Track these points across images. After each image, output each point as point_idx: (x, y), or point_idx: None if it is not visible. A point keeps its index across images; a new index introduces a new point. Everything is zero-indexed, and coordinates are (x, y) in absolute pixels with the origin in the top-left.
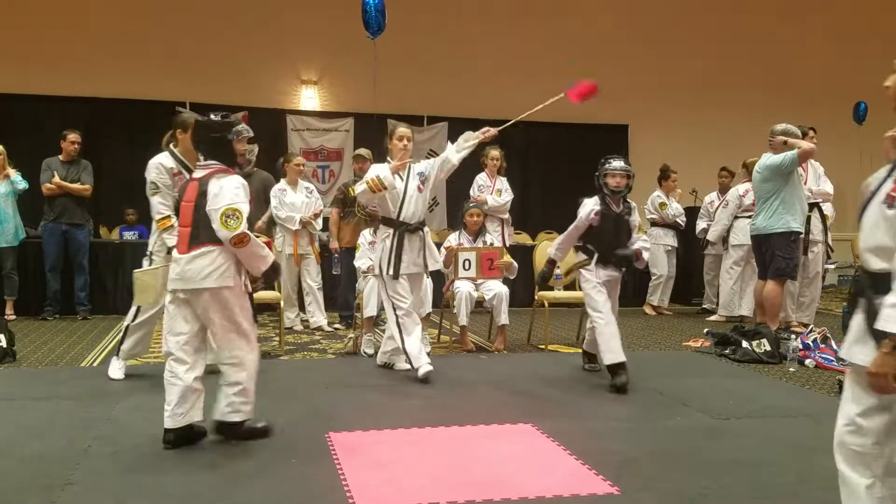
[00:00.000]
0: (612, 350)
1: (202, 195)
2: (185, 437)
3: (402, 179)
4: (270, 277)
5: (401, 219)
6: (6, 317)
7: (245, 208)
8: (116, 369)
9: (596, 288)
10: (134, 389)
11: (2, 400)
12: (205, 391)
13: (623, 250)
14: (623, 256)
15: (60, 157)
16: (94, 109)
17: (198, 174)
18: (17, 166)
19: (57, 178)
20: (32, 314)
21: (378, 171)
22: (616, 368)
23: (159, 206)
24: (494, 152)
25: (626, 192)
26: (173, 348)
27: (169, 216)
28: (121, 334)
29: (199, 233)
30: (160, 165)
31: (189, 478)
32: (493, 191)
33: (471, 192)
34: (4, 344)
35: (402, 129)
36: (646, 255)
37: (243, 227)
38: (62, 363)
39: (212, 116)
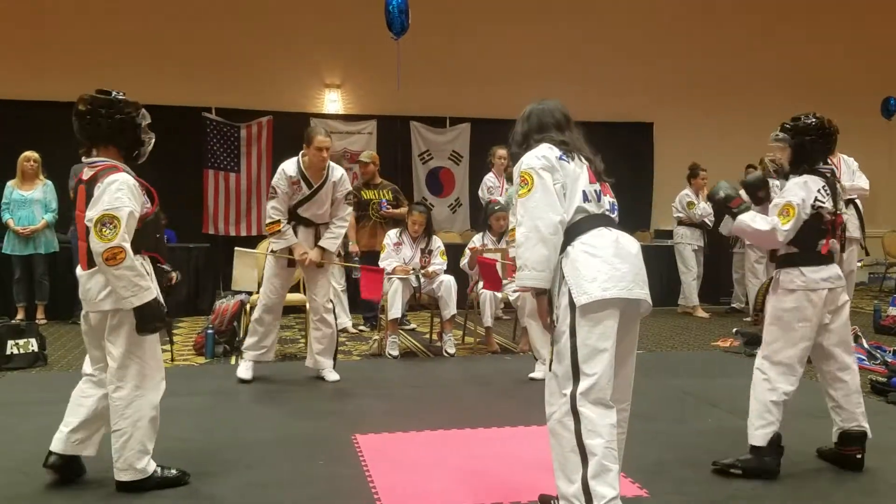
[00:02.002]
0: None
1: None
2: (69, 467)
3: None
4: (149, 320)
5: None
6: (37, 321)
7: (124, 214)
8: (243, 369)
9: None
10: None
11: (34, 404)
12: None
13: None
14: None
15: None
16: None
17: (85, 174)
18: (46, 173)
19: None
20: (63, 318)
21: None
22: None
23: (270, 210)
24: (501, 151)
25: None
26: (90, 370)
27: (278, 220)
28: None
29: None
30: (282, 170)
31: (218, 479)
32: (503, 191)
33: (479, 194)
34: (36, 348)
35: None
36: None
37: (119, 239)
38: None
39: (114, 94)
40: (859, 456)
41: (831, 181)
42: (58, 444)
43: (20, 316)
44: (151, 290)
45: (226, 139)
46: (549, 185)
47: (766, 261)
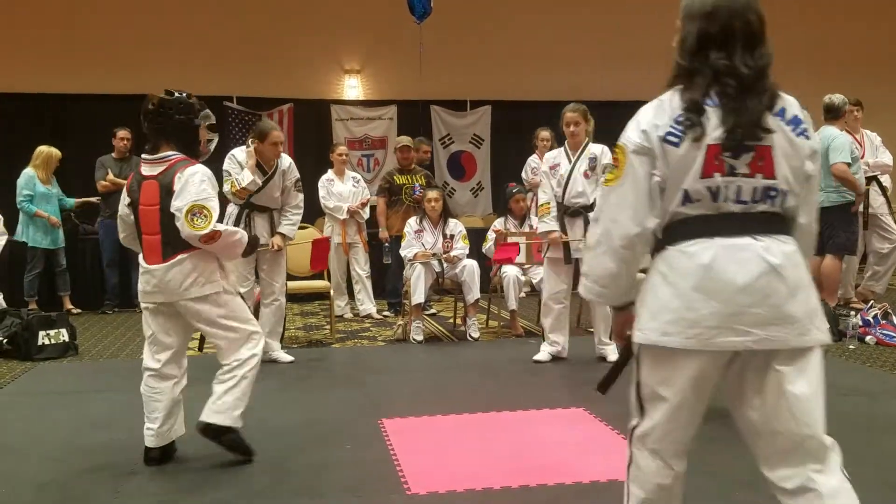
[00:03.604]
0: None
1: (168, 194)
2: (168, 454)
3: (569, 160)
4: (247, 252)
5: (563, 202)
6: (69, 310)
7: (214, 204)
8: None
9: None
10: (193, 380)
11: (66, 392)
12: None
13: None
14: None
15: (113, 154)
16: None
17: (151, 170)
18: (72, 165)
19: (111, 176)
20: (92, 308)
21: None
22: None
23: (226, 186)
24: (545, 133)
25: None
26: (155, 364)
27: (234, 180)
28: None
29: (172, 239)
30: (233, 156)
31: (245, 465)
32: None
33: (522, 175)
34: (67, 338)
35: (569, 115)
36: None
37: (213, 224)
38: (122, 355)
39: (176, 94)
40: None
41: None
42: (154, 441)
43: (31, 307)
44: (242, 235)
45: (248, 128)
46: (641, 178)
47: None
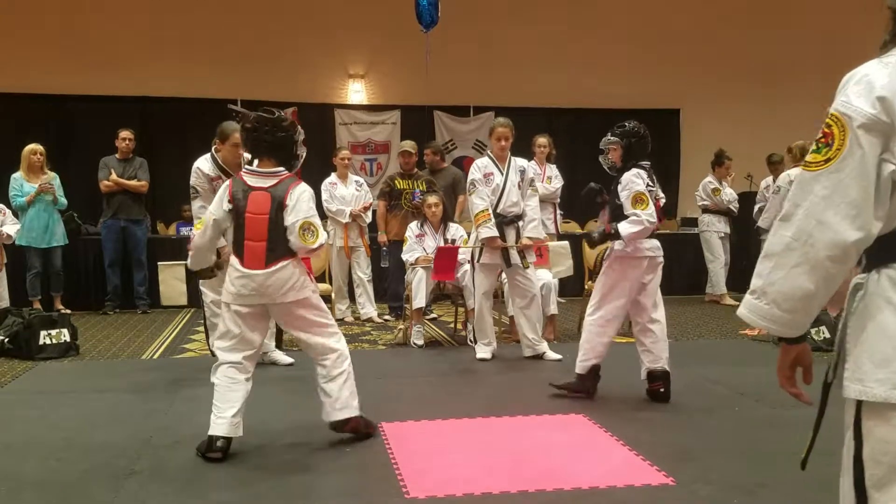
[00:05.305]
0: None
1: (279, 208)
2: (229, 447)
3: (501, 173)
4: (221, 266)
5: (498, 210)
6: (59, 310)
7: (319, 221)
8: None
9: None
10: (192, 381)
11: (67, 392)
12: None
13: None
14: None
15: (117, 155)
16: (148, 108)
17: (260, 182)
18: (76, 166)
19: (114, 176)
20: (93, 309)
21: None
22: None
23: (199, 210)
24: (542, 139)
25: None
26: (237, 358)
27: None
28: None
29: (277, 247)
30: (198, 169)
31: (246, 467)
32: (544, 178)
33: None
34: (68, 338)
35: (503, 129)
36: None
37: (320, 240)
38: (123, 356)
39: (277, 113)
40: (662, 390)
41: (650, 172)
42: (222, 429)
43: (35, 307)
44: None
45: None
46: (870, 165)
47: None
